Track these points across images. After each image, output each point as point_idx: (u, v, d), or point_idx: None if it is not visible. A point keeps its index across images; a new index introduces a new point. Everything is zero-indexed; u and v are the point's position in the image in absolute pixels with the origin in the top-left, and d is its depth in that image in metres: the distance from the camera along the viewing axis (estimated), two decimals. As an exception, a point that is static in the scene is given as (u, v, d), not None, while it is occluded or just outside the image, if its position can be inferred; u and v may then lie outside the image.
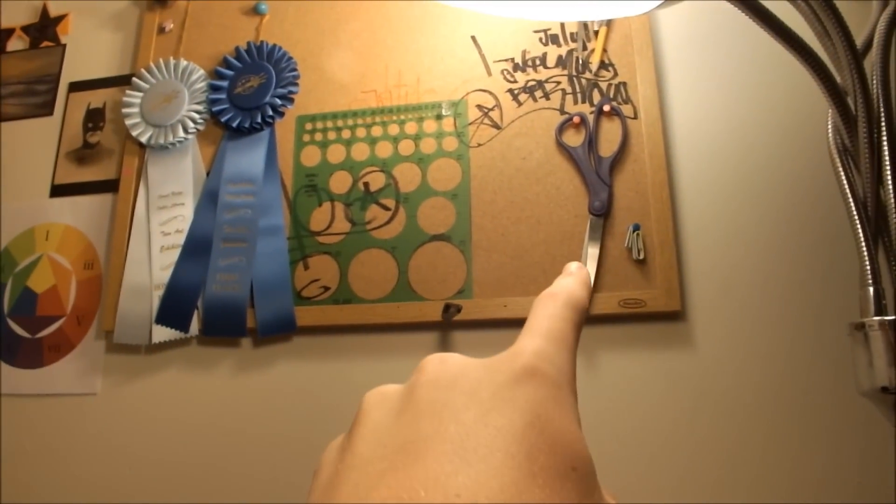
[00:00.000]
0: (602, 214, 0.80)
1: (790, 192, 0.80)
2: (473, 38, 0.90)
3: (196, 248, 0.88)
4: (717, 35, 0.87)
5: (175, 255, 0.89)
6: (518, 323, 0.80)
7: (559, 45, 0.88)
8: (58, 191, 1.00)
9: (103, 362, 0.90)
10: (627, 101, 0.84)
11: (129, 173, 0.95)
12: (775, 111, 0.82)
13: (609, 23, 0.87)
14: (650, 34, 0.86)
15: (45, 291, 0.96)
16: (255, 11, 0.98)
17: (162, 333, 0.86)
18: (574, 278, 0.32)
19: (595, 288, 0.77)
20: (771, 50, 0.74)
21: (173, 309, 0.86)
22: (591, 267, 0.78)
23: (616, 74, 0.85)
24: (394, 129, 0.88)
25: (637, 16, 0.87)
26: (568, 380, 0.27)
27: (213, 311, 0.85)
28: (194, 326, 0.86)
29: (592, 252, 0.79)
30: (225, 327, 0.85)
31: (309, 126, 0.91)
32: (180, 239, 0.89)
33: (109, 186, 0.97)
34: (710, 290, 0.79)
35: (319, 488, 0.24)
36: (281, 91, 0.91)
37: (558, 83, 0.86)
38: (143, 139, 0.93)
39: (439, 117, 0.87)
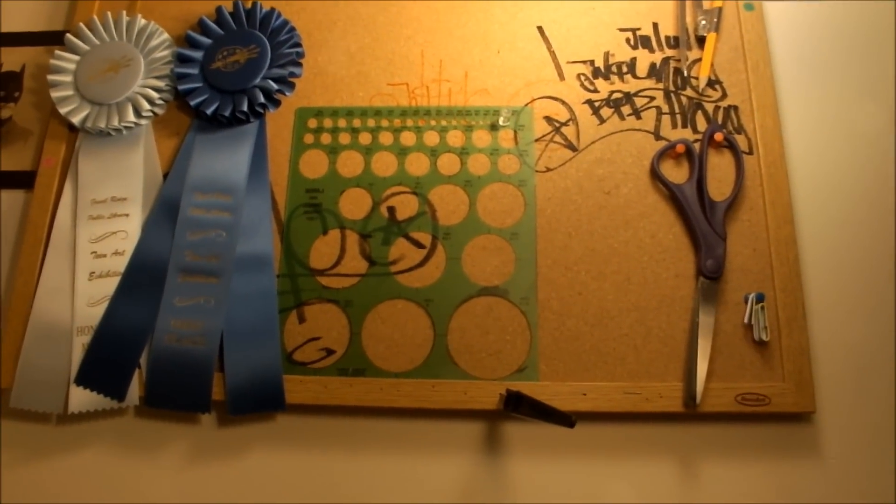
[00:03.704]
0: (716, 277, 0.59)
1: (954, 266, 0.62)
2: (540, 28, 0.69)
3: (142, 279, 0.63)
4: (844, 55, 0.69)
5: (110, 286, 0.63)
6: (602, 418, 0.59)
7: (652, 51, 0.68)
8: (-56, 180, 0.71)
9: (-9, 434, 0.63)
10: (740, 130, 0.65)
11: (50, 165, 0.68)
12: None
13: (718, 28, 0.67)
14: (767, 48, 0.67)
15: (-87, 321, 0.67)
16: (246, -36, 0.73)
17: (84, 399, 0.60)
18: None
19: (707, 376, 0.57)
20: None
21: (103, 365, 0.60)
22: (704, 347, 0.58)
23: (725, 95, 0.66)
24: (432, 139, 0.65)
25: (752, 24, 0.68)
26: None
27: (162, 371, 0.60)
28: (133, 392, 0.60)
29: (705, 327, 0.58)
30: (179, 397, 0.59)
31: (313, 123, 0.67)
32: (120, 264, 0.63)
33: (20, 181, 0.70)
34: (842, 384, 0.60)
35: None
36: (278, 72, 0.66)
37: (651, 99, 0.66)
38: (76, 119, 0.67)
39: (494, 128, 0.65)
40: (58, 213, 0.66)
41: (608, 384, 0.58)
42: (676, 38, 0.68)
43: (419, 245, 0.62)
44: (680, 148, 0.63)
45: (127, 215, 0.65)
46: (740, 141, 0.64)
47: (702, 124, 0.65)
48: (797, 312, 0.59)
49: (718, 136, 0.63)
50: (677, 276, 0.61)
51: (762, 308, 0.59)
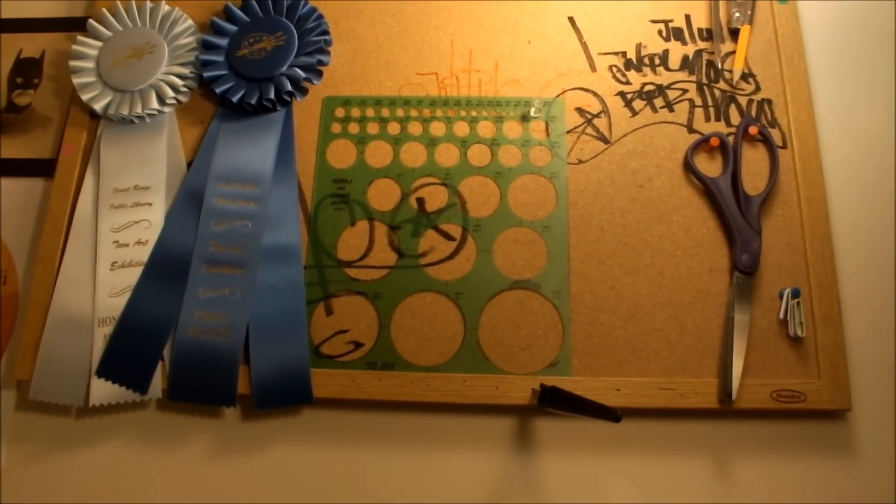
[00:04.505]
0: (752, 272, 0.58)
1: None
2: (571, 19, 0.68)
3: (166, 269, 0.61)
4: (878, 49, 0.68)
5: (133, 276, 0.62)
6: (636, 414, 0.58)
7: (684, 43, 0.67)
8: (-39, 168, 0.70)
9: (11, 425, 0.61)
10: (774, 124, 0.64)
11: (71, 152, 0.67)
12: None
13: (752, 20, 0.66)
14: (801, 41, 0.66)
15: (-71, 310, 0.66)
16: (272, -49, 0.72)
17: (105, 392, 0.59)
18: None
19: (742, 372, 0.56)
20: None
21: (126, 357, 0.59)
22: (740, 343, 0.57)
23: (758, 88, 0.65)
24: (462, 129, 0.64)
25: (785, 17, 0.67)
26: None
27: (186, 364, 0.59)
28: (155, 385, 0.59)
29: (741, 323, 0.57)
30: (203, 390, 0.58)
31: (340, 112, 0.66)
32: (143, 254, 0.62)
33: (41, 168, 0.69)
34: (878, 382, 0.59)
35: None
36: (305, 59, 0.65)
37: (684, 91, 0.65)
38: (98, 106, 0.65)
39: (526, 119, 0.64)
40: (79, 201, 0.65)
41: (642, 380, 0.57)
42: (709, 31, 0.67)
43: (449, 237, 0.61)
44: (714, 141, 0.62)
45: (150, 204, 0.64)
46: (774, 135, 0.63)
47: (735, 118, 0.64)
48: (833, 309, 0.58)
49: (753, 130, 0.62)
50: (711, 271, 0.60)
51: (798, 304, 0.58)
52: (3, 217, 0.68)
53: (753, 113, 0.64)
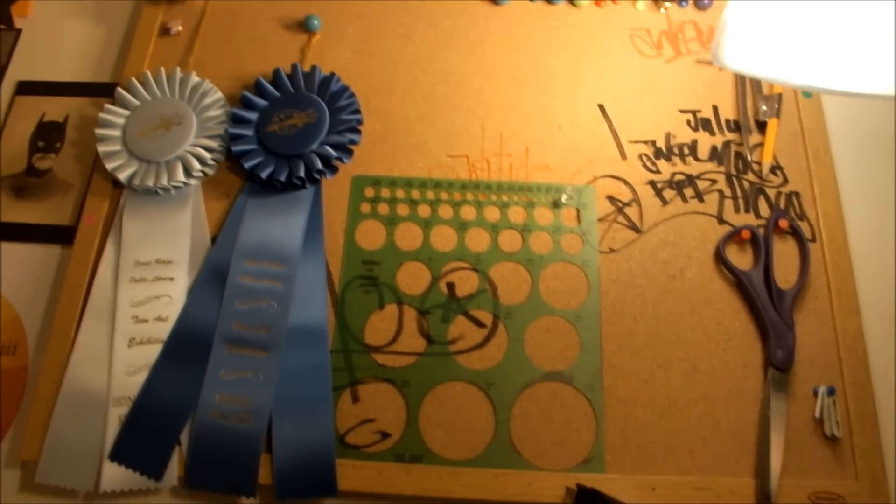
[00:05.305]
0: (787, 368, 0.58)
1: None
2: (601, 106, 0.68)
3: (186, 348, 0.60)
4: (901, 147, 0.69)
5: (152, 354, 0.60)
6: (674, 516, 0.56)
7: (713, 134, 0.68)
8: (-24, 232, 0.68)
9: (13, 510, 0.58)
10: (803, 216, 0.64)
11: (92, 221, 0.66)
12: None
13: (779, 114, 0.67)
14: (827, 134, 0.67)
15: (-68, 381, 0.63)
16: (304, 27, 0.72)
17: (117, 477, 0.56)
18: None
19: (780, 472, 0.55)
20: None
21: (141, 440, 0.57)
22: (777, 441, 0.56)
23: (786, 181, 0.66)
24: (492, 214, 0.64)
25: (810, 111, 0.68)
26: None
27: (205, 450, 0.56)
28: (171, 471, 0.56)
29: (777, 421, 0.56)
30: (222, 478, 0.56)
31: (370, 192, 0.65)
32: (162, 331, 0.60)
33: (59, 236, 0.67)
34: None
35: None
36: (336, 138, 0.65)
37: (714, 182, 0.65)
38: (123, 176, 0.64)
39: (557, 205, 0.64)
40: (98, 272, 0.64)
41: (678, 478, 0.55)
42: (736, 122, 0.68)
43: (480, 324, 0.60)
44: (745, 234, 0.62)
45: (172, 279, 0.62)
46: (803, 227, 0.63)
47: (764, 209, 0.65)
48: (868, 408, 0.58)
49: (783, 223, 0.63)
50: (745, 366, 0.59)
51: (833, 403, 0.57)
52: (17, 284, 0.66)
53: (782, 205, 0.65)
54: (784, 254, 0.63)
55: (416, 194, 0.65)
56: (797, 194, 0.65)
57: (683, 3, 0.72)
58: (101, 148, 0.66)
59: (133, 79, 0.69)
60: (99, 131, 0.66)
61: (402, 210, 0.64)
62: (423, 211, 0.64)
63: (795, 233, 0.63)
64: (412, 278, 0.62)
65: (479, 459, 0.56)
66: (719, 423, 0.57)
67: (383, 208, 0.64)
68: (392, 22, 0.72)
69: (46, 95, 0.73)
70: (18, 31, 0.76)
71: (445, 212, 0.64)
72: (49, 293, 0.65)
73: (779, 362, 0.58)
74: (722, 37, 0.49)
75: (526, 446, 0.56)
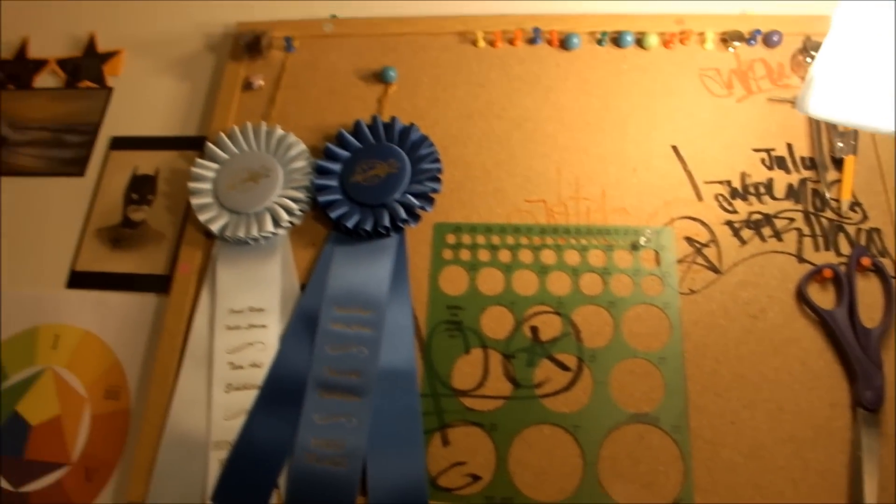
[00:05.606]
0: (877, 409, 0.58)
1: None
2: (675, 148, 0.70)
3: (281, 393, 0.62)
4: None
5: (248, 399, 0.63)
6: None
7: (788, 172, 0.68)
8: (79, 280, 0.72)
9: (123, 551, 0.61)
10: (884, 253, 0.64)
11: (186, 271, 0.69)
12: None
13: (856, 150, 0.67)
14: (905, 170, 0.67)
15: (43, 424, 0.67)
16: (380, 78, 0.75)
17: (221, 518, 0.59)
18: None
19: (874, 519, 0.55)
20: None
21: (242, 483, 0.60)
22: (871, 485, 0.55)
23: (865, 217, 0.66)
24: (572, 258, 0.65)
25: (888, 145, 0.68)
26: None
27: (302, 492, 0.59)
28: (271, 513, 0.59)
29: (869, 463, 0.56)
30: (320, 520, 0.58)
31: (451, 239, 0.67)
32: (257, 377, 0.63)
33: (155, 284, 0.71)
34: None
35: None
36: (418, 188, 0.67)
37: (791, 220, 0.66)
38: (215, 227, 0.68)
39: (635, 248, 0.65)
40: (194, 321, 0.67)
41: (769, 522, 0.55)
42: (812, 160, 0.68)
43: (564, 367, 0.61)
44: (827, 273, 0.63)
45: (265, 326, 0.65)
46: (885, 264, 0.63)
47: (844, 247, 0.65)
48: (962, 450, 0.57)
49: (865, 261, 0.63)
50: (832, 406, 0.59)
51: (927, 445, 0.57)
52: (117, 331, 0.70)
53: (863, 242, 0.65)
54: (867, 291, 0.63)
55: (496, 240, 0.66)
56: (878, 230, 0.65)
57: (752, 42, 0.73)
58: (195, 201, 0.69)
59: (221, 133, 0.72)
60: (192, 185, 0.70)
61: (484, 255, 0.66)
62: (504, 256, 0.66)
63: (878, 270, 0.63)
64: (496, 322, 0.63)
65: (568, 502, 0.57)
66: (808, 464, 0.57)
67: (465, 254, 0.66)
68: (465, 70, 0.75)
69: (138, 150, 0.77)
70: (110, 90, 0.81)
71: (526, 256, 0.66)
72: (147, 340, 0.69)
73: (868, 402, 0.58)
74: (809, 89, 0.50)
75: (615, 488, 0.57)
